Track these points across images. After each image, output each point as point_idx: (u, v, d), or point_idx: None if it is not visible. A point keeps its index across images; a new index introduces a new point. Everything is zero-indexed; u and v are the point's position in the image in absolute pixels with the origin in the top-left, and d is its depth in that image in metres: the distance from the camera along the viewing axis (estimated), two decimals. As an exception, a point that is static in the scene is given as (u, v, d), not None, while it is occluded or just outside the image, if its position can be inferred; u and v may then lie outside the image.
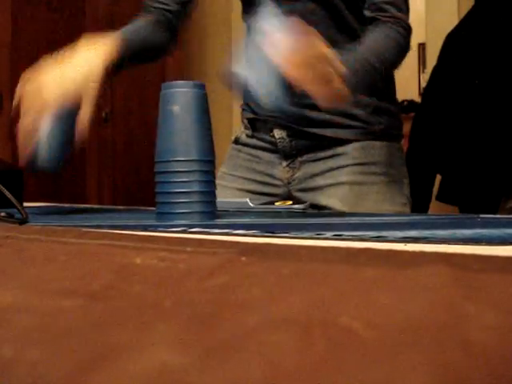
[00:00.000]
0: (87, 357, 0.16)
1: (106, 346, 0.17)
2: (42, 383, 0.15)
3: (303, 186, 1.01)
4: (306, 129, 0.99)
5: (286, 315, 0.20)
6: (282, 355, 0.16)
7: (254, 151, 1.06)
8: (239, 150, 1.09)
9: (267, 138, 1.03)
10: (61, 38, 2.31)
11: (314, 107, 0.96)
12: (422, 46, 4.13)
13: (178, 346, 0.17)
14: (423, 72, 4.19)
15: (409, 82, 4.43)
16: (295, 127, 0.98)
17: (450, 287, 0.24)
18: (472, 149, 1.65)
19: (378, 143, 1.00)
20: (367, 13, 0.92)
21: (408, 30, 0.92)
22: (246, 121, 1.08)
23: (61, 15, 2.31)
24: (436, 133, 1.77)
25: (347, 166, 0.98)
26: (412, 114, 2.04)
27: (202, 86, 0.70)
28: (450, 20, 2.11)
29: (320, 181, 1.00)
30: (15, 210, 0.65)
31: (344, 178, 0.98)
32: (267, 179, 1.05)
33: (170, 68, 2.65)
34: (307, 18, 0.94)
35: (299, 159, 1.01)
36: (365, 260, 0.33)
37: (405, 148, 2.06)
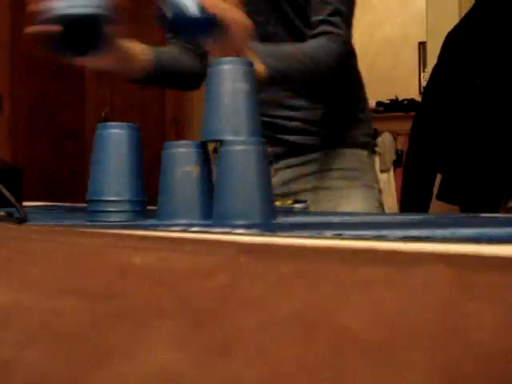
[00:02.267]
0: (87, 357, 0.16)
1: (105, 346, 0.17)
2: (41, 383, 0.15)
3: (279, 191, 1.04)
4: (278, 136, 1.03)
5: (286, 315, 0.20)
6: (281, 355, 0.16)
7: None
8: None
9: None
10: (61, 38, 2.32)
11: (287, 117, 0.99)
12: (422, 45, 4.13)
13: (177, 346, 0.17)
14: (423, 71, 4.19)
15: (409, 81, 4.43)
16: (270, 134, 1.01)
17: (450, 287, 0.24)
18: (472, 148, 1.65)
19: (347, 150, 1.04)
20: (307, 32, 0.95)
21: (343, 43, 0.92)
22: None
23: (61, 15, 2.31)
24: (436, 132, 1.77)
25: (319, 171, 1.02)
26: (412, 113, 2.04)
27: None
28: (450, 19, 2.12)
29: (293, 186, 1.04)
30: (14, 210, 0.65)
31: (316, 183, 1.02)
32: None
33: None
34: (269, 41, 0.97)
35: (274, 166, 1.05)
36: (365, 259, 0.33)
37: (405, 148, 2.06)
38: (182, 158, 0.66)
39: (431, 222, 0.64)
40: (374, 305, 0.22)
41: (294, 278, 0.28)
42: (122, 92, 2.48)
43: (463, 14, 1.83)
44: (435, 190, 1.85)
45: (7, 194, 0.65)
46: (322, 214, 0.87)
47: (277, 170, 1.04)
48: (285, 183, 1.04)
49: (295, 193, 1.03)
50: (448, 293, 0.23)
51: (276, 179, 1.04)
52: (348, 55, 0.95)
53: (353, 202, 1.01)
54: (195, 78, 1.09)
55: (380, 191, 1.09)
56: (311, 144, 1.03)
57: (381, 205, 1.09)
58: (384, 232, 0.48)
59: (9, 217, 0.62)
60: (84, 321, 0.20)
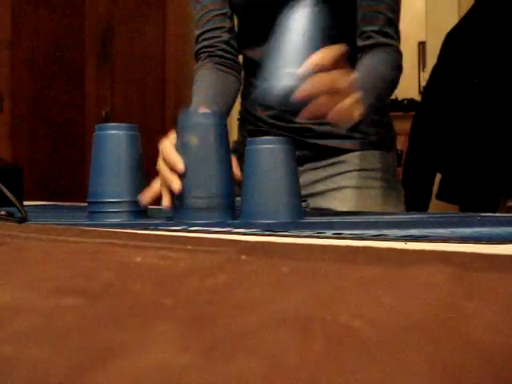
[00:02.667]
0: (87, 357, 0.16)
1: (106, 346, 0.17)
2: (41, 383, 0.15)
3: (303, 192, 1.03)
4: (307, 140, 1.02)
5: (286, 314, 0.20)
6: (282, 354, 0.16)
7: None
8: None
9: None
10: (61, 38, 2.31)
11: (316, 122, 0.98)
12: (422, 45, 4.13)
13: (178, 345, 0.17)
14: (423, 71, 4.19)
15: (409, 80, 4.43)
16: (297, 138, 1.00)
17: (449, 286, 0.24)
18: (472, 148, 1.65)
19: (375, 152, 1.04)
20: (359, 42, 0.94)
21: (400, 54, 0.93)
22: (245, 133, 1.10)
23: (61, 15, 2.31)
24: (436, 132, 1.77)
25: (347, 171, 1.02)
26: (412, 113, 2.05)
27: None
28: (450, 19, 2.12)
29: (320, 187, 1.03)
30: (15, 209, 0.65)
31: (345, 183, 1.02)
32: None
33: (169, 68, 2.65)
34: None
35: (300, 168, 1.04)
36: (365, 258, 0.33)
37: (405, 147, 2.06)
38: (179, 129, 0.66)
39: (431, 222, 0.64)
40: (373, 304, 0.22)
41: (293, 278, 0.28)
42: (122, 92, 2.48)
43: (463, 14, 1.83)
44: (435, 189, 1.86)
45: (8, 193, 0.65)
46: (321, 213, 0.87)
47: (302, 171, 1.03)
48: (311, 183, 1.04)
49: (321, 193, 1.02)
50: (448, 292, 0.23)
51: (301, 180, 1.02)
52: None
53: (378, 202, 1.02)
54: (237, 91, 1.05)
55: (403, 194, 1.09)
56: (338, 147, 1.03)
57: (404, 207, 1.09)
58: (384, 231, 0.48)
59: (9, 216, 0.62)
60: (84, 320, 0.20)
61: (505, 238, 0.43)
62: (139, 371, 0.15)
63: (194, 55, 1.06)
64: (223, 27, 1.00)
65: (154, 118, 2.58)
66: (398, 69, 0.91)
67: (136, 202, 0.68)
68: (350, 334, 0.18)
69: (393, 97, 4.30)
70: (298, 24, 0.65)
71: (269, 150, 0.64)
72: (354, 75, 0.73)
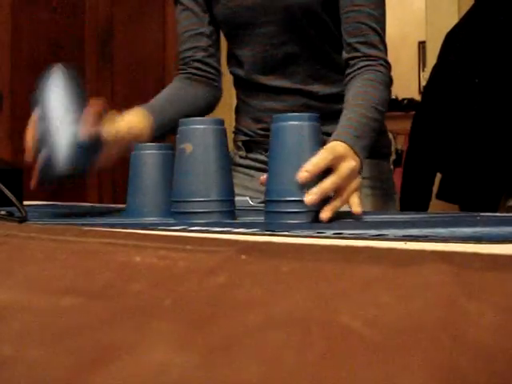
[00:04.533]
0: (87, 357, 0.16)
1: (105, 346, 0.17)
2: (41, 383, 0.15)
3: None
4: None
5: (285, 314, 0.20)
6: (281, 354, 0.16)
7: (247, 171, 1.10)
8: (233, 170, 1.12)
9: (261, 157, 1.07)
10: (61, 38, 2.31)
11: None
12: (422, 45, 4.13)
13: (177, 345, 0.17)
14: (423, 70, 4.19)
15: (409, 80, 4.43)
16: None
17: (450, 285, 0.24)
18: (472, 147, 1.65)
19: (368, 160, 1.04)
20: (344, 54, 0.94)
21: (386, 66, 0.92)
22: (239, 143, 1.12)
23: (61, 15, 2.31)
24: (436, 131, 1.77)
25: None
26: (412, 113, 2.04)
27: (220, 122, 0.67)
28: (450, 18, 2.11)
29: None
30: (15, 209, 0.65)
31: None
32: (259, 196, 1.07)
33: (169, 68, 2.65)
34: (290, 61, 0.97)
35: None
36: (365, 258, 0.33)
37: (405, 147, 2.06)
38: (178, 137, 0.66)
39: (431, 221, 0.64)
40: (374, 304, 0.22)
41: (293, 278, 0.28)
42: (122, 92, 2.48)
43: (463, 14, 1.83)
44: (435, 189, 1.85)
45: (8, 193, 0.65)
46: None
47: None
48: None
49: None
50: (448, 291, 0.23)
51: None
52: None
53: (373, 209, 1.02)
54: (209, 105, 1.08)
55: (398, 202, 1.10)
56: None
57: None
58: (384, 231, 0.48)
59: (9, 216, 0.62)
60: (84, 320, 0.20)
61: (505, 237, 0.43)
62: (139, 371, 0.15)
63: None
64: (198, 46, 1.05)
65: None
66: (386, 84, 0.91)
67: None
68: (350, 333, 0.18)
69: (393, 96, 4.30)
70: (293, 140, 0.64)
71: (295, 127, 0.63)
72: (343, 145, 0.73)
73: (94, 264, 0.33)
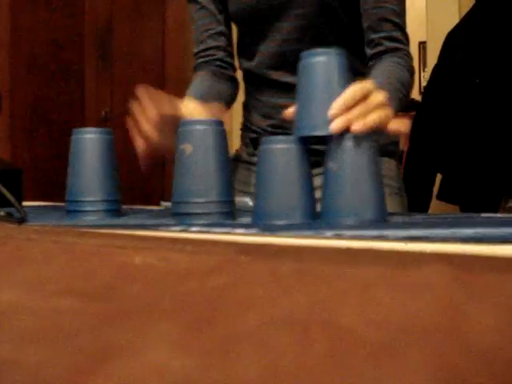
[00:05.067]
0: (87, 357, 0.16)
1: (105, 347, 0.17)
2: (41, 383, 0.15)
3: None
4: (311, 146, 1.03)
5: (285, 315, 0.20)
6: (281, 355, 0.16)
7: (253, 168, 1.11)
8: (238, 166, 1.13)
9: None
10: (61, 38, 2.31)
11: None
12: (422, 45, 4.13)
13: (177, 346, 0.17)
14: (424, 71, 4.18)
15: (409, 81, 4.43)
16: None
17: (450, 287, 0.24)
18: (472, 148, 1.65)
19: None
20: (367, 51, 0.95)
21: (410, 58, 0.95)
22: (247, 140, 1.13)
23: (61, 15, 2.31)
24: (436, 132, 1.77)
25: None
26: (412, 113, 2.04)
27: (220, 123, 0.68)
28: (450, 18, 2.12)
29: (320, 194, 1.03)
30: (14, 210, 0.65)
31: None
32: None
33: (169, 68, 2.65)
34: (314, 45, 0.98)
35: None
36: (365, 259, 0.33)
37: (405, 147, 2.06)
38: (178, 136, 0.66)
39: (431, 222, 0.64)
40: (374, 305, 0.22)
41: (293, 279, 0.28)
42: (122, 92, 2.48)
43: (463, 14, 1.83)
44: (435, 189, 1.85)
45: (7, 194, 0.65)
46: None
47: None
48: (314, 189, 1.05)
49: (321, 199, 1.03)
50: (448, 293, 0.23)
51: None
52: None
53: None
54: (232, 100, 1.11)
55: (407, 200, 1.09)
56: None
57: (407, 212, 1.09)
58: (384, 232, 0.48)
59: (9, 217, 0.62)
60: (84, 321, 0.20)
61: (505, 238, 0.43)
62: (139, 372, 0.15)
63: (193, 69, 1.12)
64: (218, 46, 1.07)
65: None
66: (410, 71, 0.92)
67: (111, 201, 0.70)
68: (350, 335, 0.18)
69: (393, 97, 4.29)
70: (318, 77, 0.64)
71: (282, 150, 0.63)
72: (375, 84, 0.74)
73: (93, 265, 0.33)
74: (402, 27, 0.94)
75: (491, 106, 1.61)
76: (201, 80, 1.05)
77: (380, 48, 0.93)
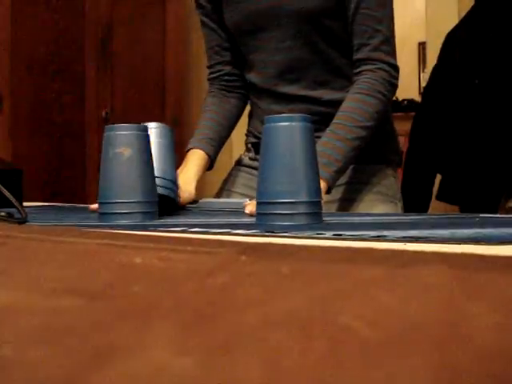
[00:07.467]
0: (87, 357, 0.16)
1: (106, 346, 0.17)
2: (41, 383, 0.15)
3: None
4: None
5: (286, 315, 0.20)
6: (282, 355, 0.16)
7: (255, 171, 1.12)
8: (240, 170, 1.17)
9: None
10: (61, 38, 2.31)
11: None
12: (422, 45, 4.13)
13: (177, 346, 0.17)
14: (423, 71, 4.19)
15: (409, 81, 4.43)
16: None
17: (449, 287, 0.24)
18: (472, 148, 1.65)
19: (374, 166, 1.04)
20: (353, 56, 0.96)
21: (388, 70, 0.95)
22: (249, 145, 1.16)
23: (61, 15, 2.31)
24: (436, 132, 1.77)
25: (343, 184, 1.02)
26: (412, 114, 2.04)
27: (144, 128, 0.70)
28: (450, 19, 2.12)
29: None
30: (15, 210, 0.65)
31: (339, 196, 1.02)
32: None
33: (169, 68, 2.65)
34: (295, 65, 1.00)
35: None
36: (365, 259, 0.33)
37: (405, 148, 2.06)
38: (113, 140, 0.67)
39: (431, 223, 0.64)
40: (374, 305, 0.22)
41: (293, 278, 0.28)
42: (122, 92, 2.48)
43: (463, 15, 1.83)
44: (435, 190, 1.85)
45: (7, 194, 0.65)
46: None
47: None
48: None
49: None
50: (448, 293, 0.23)
51: None
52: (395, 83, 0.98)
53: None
54: (241, 111, 1.20)
55: (402, 208, 1.09)
56: None
57: None
58: (384, 232, 0.48)
59: (9, 217, 0.62)
60: (83, 321, 0.20)
61: (505, 238, 0.43)
62: (139, 371, 0.15)
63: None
64: (223, 61, 1.15)
65: (153, 118, 2.58)
66: (380, 98, 0.93)
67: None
68: (350, 334, 0.18)
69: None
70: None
71: (285, 128, 0.63)
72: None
73: (94, 265, 0.33)
74: (384, 33, 0.94)
75: (490, 107, 1.61)
76: (211, 110, 1.15)
77: (360, 55, 0.95)
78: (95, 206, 0.92)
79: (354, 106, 0.91)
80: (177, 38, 2.68)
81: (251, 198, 0.90)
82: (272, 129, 0.63)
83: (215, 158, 1.10)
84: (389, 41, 0.95)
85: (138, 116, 2.48)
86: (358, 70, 0.95)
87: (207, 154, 1.06)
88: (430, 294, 0.23)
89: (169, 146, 0.82)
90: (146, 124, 0.74)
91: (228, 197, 1.12)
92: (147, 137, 0.70)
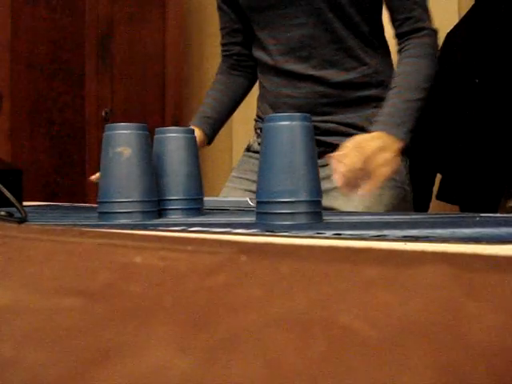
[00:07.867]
0: (87, 357, 0.16)
1: (105, 347, 0.17)
2: (41, 383, 0.15)
3: None
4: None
5: (285, 314, 0.20)
6: (282, 355, 0.16)
7: None
8: (250, 157, 1.19)
9: None
10: (61, 38, 2.31)
11: (320, 120, 1.02)
12: (421, 45, 4.14)
13: (177, 346, 0.17)
14: (423, 71, 4.18)
15: (409, 81, 4.42)
16: None
17: (450, 286, 0.24)
18: (472, 148, 1.65)
19: None
20: (393, 31, 1.01)
21: (432, 34, 1.02)
22: (258, 130, 1.18)
23: (61, 15, 2.31)
24: (436, 132, 1.77)
25: None
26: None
27: (144, 128, 0.71)
28: (449, 19, 2.12)
29: (326, 184, 1.03)
30: (15, 210, 0.65)
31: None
32: None
33: (169, 68, 2.65)
34: (306, 42, 1.01)
35: None
36: (365, 259, 0.33)
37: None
38: (113, 139, 0.68)
39: (431, 222, 0.64)
40: (374, 305, 0.22)
41: (293, 278, 0.28)
42: (122, 92, 2.48)
43: (463, 14, 1.83)
44: (435, 189, 1.85)
45: (7, 193, 0.65)
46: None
47: None
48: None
49: (326, 191, 1.01)
50: (448, 293, 0.23)
51: None
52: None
53: (384, 200, 1.02)
54: (246, 91, 1.26)
55: (411, 192, 1.11)
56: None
57: (411, 206, 1.10)
58: (384, 232, 0.48)
59: (9, 217, 0.62)
60: (83, 321, 0.20)
61: (505, 238, 0.43)
62: (139, 372, 0.15)
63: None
64: (234, 42, 1.21)
65: (153, 118, 2.58)
66: (432, 59, 1.00)
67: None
68: (350, 334, 0.18)
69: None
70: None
71: (285, 127, 0.63)
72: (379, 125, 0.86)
73: (93, 265, 0.33)
74: (421, 4, 0.99)
75: (491, 106, 1.61)
76: (218, 85, 1.21)
77: (402, 29, 0.99)
78: (95, 176, 0.96)
79: (410, 70, 0.96)
80: (177, 38, 2.68)
81: (251, 197, 0.90)
82: (272, 128, 0.63)
83: (212, 135, 1.17)
84: (426, 8, 1.01)
85: (138, 116, 2.48)
86: (404, 40, 0.99)
87: (203, 131, 1.13)
88: (429, 294, 0.23)
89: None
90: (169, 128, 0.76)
91: (240, 184, 1.14)
92: (147, 136, 0.70)
